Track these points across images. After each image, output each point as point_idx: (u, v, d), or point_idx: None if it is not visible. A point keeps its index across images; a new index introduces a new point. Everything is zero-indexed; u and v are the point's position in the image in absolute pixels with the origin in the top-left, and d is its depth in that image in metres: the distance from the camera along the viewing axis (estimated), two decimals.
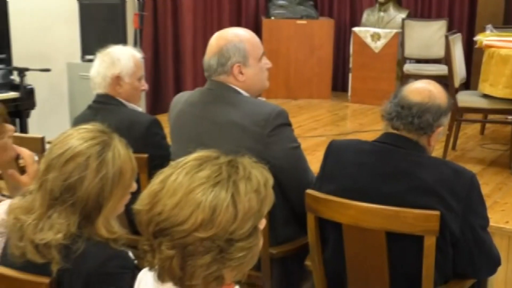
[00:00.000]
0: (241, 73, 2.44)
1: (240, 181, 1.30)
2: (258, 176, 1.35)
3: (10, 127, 2.09)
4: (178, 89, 6.71)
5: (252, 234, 1.32)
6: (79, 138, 1.62)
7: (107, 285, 1.48)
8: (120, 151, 1.65)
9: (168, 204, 1.26)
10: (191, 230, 1.24)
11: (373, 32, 6.89)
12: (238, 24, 6.98)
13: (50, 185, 1.58)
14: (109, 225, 1.63)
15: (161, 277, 1.34)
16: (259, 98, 2.64)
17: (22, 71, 4.31)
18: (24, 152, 2.17)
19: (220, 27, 2.75)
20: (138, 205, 1.32)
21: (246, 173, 1.33)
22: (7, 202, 1.90)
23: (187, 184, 1.27)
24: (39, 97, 4.94)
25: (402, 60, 6.87)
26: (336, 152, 2.22)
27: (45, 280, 1.51)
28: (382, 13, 7.01)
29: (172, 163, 1.39)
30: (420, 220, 1.93)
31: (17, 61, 4.96)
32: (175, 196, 1.26)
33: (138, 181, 2.57)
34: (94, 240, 1.59)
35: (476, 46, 5.34)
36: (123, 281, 1.55)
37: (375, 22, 7.02)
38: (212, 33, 2.62)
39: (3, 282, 1.58)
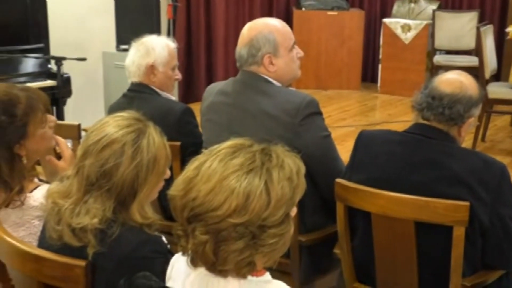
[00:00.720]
0: (271, 63, 2.43)
1: (273, 169, 1.30)
2: (291, 165, 1.35)
3: (51, 117, 2.11)
4: (210, 79, 6.74)
5: (284, 221, 1.32)
6: (115, 125, 1.63)
7: (141, 269, 1.49)
8: (155, 139, 1.65)
9: (203, 190, 1.27)
10: (225, 215, 1.25)
11: (403, 23, 6.82)
12: (269, 14, 6.94)
13: (86, 171, 1.59)
14: (143, 211, 1.63)
15: (194, 262, 1.35)
16: (289, 88, 2.63)
17: (59, 60, 4.35)
18: (59, 139, 2.20)
19: (251, 18, 2.73)
20: (173, 191, 1.32)
21: (279, 161, 1.33)
22: (45, 187, 1.93)
23: (221, 171, 1.28)
24: (75, 85, 5.00)
25: (432, 51, 6.79)
26: (366, 142, 2.20)
27: (81, 263, 1.52)
28: (412, 4, 6.92)
29: (206, 150, 1.39)
30: (450, 210, 1.91)
31: (54, 51, 5.01)
32: (210, 182, 1.27)
33: (171, 169, 2.59)
34: (129, 225, 1.60)
35: (508, 37, 5.26)
36: (156, 266, 1.56)
37: (406, 13, 6.94)
38: (243, 24, 2.61)
39: (41, 263, 1.59)
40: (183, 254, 1.36)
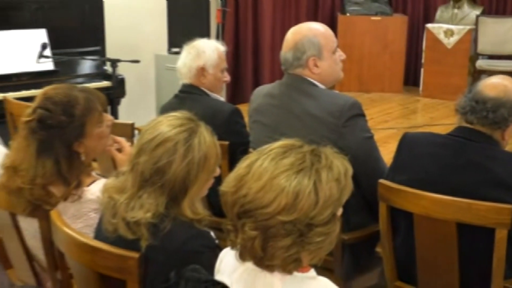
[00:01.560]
0: (316, 65, 2.44)
1: (322, 170, 1.31)
2: (339, 166, 1.35)
3: (109, 117, 2.15)
4: (257, 81, 6.75)
5: (330, 220, 1.32)
6: (169, 125, 1.64)
7: (190, 263, 1.50)
8: (206, 138, 1.66)
9: (254, 187, 1.27)
10: (274, 213, 1.25)
11: (446, 29, 6.70)
12: (314, 20, 6.92)
13: (141, 167, 1.61)
14: (194, 207, 1.64)
15: (242, 256, 1.35)
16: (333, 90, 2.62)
17: (114, 62, 4.42)
18: (120, 139, 2.25)
19: (297, 23, 2.72)
20: (224, 187, 1.33)
21: (328, 162, 1.33)
22: (101, 182, 1.96)
23: (272, 170, 1.28)
24: (128, 86, 5.08)
25: (475, 56, 6.65)
26: (409, 144, 2.17)
27: (135, 255, 1.54)
28: (456, 10, 6.79)
29: (257, 149, 1.40)
30: (492, 212, 1.86)
31: (110, 53, 5.11)
32: (260, 180, 1.27)
33: (219, 167, 2.62)
34: (180, 220, 1.61)
35: None
36: (205, 259, 1.57)
37: (449, 19, 6.82)
38: (289, 29, 2.61)
39: (97, 254, 1.62)
40: (232, 248, 1.37)
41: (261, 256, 1.30)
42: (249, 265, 1.35)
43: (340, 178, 1.33)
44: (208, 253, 1.61)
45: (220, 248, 1.68)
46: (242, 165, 1.34)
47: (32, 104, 2.01)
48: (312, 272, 1.39)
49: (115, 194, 1.65)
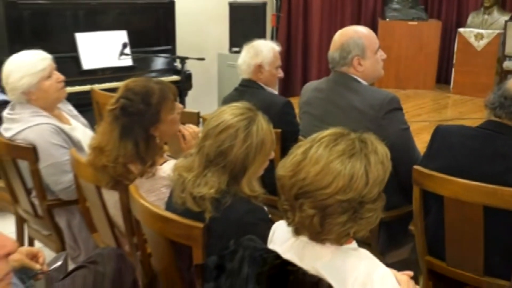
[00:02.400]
0: (360, 64, 2.41)
1: (370, 154, 1.30)
2: (382, 150, 1.34)
3: (179, 105, 2.17)
4: (305, 77, 6.70)
5: (377, 198, 1.32)
6: (231, 113, 1.65)
7: (247, 233, 1.51)
8: (263, 125, 1.66)
9: (312, 171, 1.27)
10: (333, 193, 1.25)
11: (476, 33, 6.48)
12: (357, 24, 6.81)
13: (206, 150, 1.63)
14: (251, 185, 1.65)
15: (298, 231, 1.35)
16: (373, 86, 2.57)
17: (183, 60, 4.44)
18: (188, 125, 2.27)
19: (342, 26, 2.69)
20: (282, 172, 1.32)
21: (373, 147, 1.33)
22: (172, 162, 1.99)
23: (327, 156, 1.28)
24: (194, 80, 5.11)
25: (502, 57, 6.41)
26: (442, 134, 2.12)
27: (200, 225, 1.56)
28: (486, 16, 6.55)
29: (308, 138, 1.38)
30: None
31: (179, 51, 5.14)
32: (318, 164, 1.27)
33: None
34: (239, 196, 1.62)
35: None
36: (259, 231, 1.57)
37: (479, 24, 6.58)
38: (335, 32, 2.59)
39: (168, 223, 1.65)
40: (288, 225, 1.36)
41: (319, 231, 1.30)
42: (304, 238, 1.35)
43: (384, 161, 1.33)
44: (262, 225, 1.62)
45: (272, 222, 1.68)
46: (297, 152, 1.33)
47: (115, 95, 2.05)
48: (355, 243, 1.39)
49: (184, 172, 1.67)
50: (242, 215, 1.60)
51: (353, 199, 1.26)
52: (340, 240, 1.32)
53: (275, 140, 1.72)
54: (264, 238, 1.53)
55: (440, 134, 2.12)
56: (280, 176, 1.32)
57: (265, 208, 1.71)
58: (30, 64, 2.45)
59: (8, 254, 0.95)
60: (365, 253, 1.36)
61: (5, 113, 2.53)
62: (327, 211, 1.27)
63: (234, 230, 1.53)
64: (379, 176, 1.30)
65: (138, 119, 1.97)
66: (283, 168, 1.33)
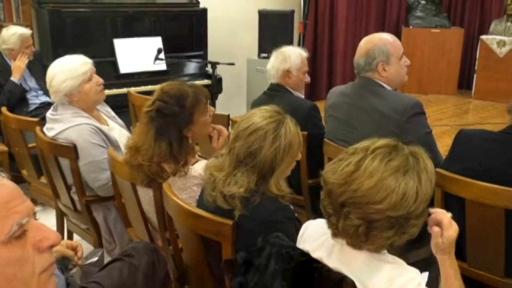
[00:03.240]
0: (384, 70, 2.39)
1: (422, 172, 1.27)
2: (431, 167, 1.31)
3: (211, 108, 2.18)
4: (330, 82, 6.67)
5: (422, 213, 1.29)
6: (260, 116, 1.65)
7: (273, 231, 1.51)
8: (291, 128, 1.65)
9: (365, 184, 1.23)
10: (384, 209, 1.22)
11: (499, 40, 6.36)
12: (381, 31, 6.75)
13: (237, 150, 1.63)
14: (279, 185, 1.65)
15: (336, 235, 1.33)
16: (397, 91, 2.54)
17: (214, 64, 4.47)
18: (219, 126, 2.28)
19: (366, 34, 2.66)
20: (332, 178, 1.28)
21: (424, 164, 1.29)
22: (203, 162, 1.99)
23: (382, 171, 1.24)
24: (225, 84, 5.12)
25: None
26: (464, 138, 2.08)
27: (229, 222, 1.57)
28: (509, 23, 6.41)
29: (357, 147, 1.33)
30: None
31: (210, 57, 5.17)
32: (371, 178, 1.23)
33: None
34: (267, 195, 1.62)
35: None
36: (285, 228, 1.56)
37: (502, 31, 6.45)
38: (360, 39, 2.57)
39: (199, 220, 1.65)
40: (329, 227, 1.34)
41: (363, 240, 1.27)
42: (341, 240, 1.33)
43: (432, 178, 1.30)
44: (288, 224, 1.61)
45: (298, 220, 1.68)
46: (350, 160, 1.28)
47: (151, 98, 2.07)
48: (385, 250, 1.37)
49: (215, 172, 1.67)
50: (269, 214, 1.59)
51: (402, 216, 1.23)
52: (379, 250, 1.30)
53: (302, 142, 1.71)
54: (291, 235, 1.52)
55: (463, 138, 2.08)
56: (330, 182, 1.29)
57: (291, 207, 1.70)
58: (72, 68, 2.48)
59: (52, 246, 0.97)
60: (393, 259, 1.33)
61: (49, 113, 2.57)
62: (374, 224, 1.24)
63: (261, 227, 1.53)
64: (427, 193, 1.27)
65: (172, 120, 1.98)
66: (334, 175, 1.28)
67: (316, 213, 2.61)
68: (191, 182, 2.03)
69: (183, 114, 2.00)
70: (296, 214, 1.70)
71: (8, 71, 3.80)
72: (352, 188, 1.24)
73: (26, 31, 3.88)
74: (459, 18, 7.22)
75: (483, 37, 6.54)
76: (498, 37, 6.40)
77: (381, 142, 1.31)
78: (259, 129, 1.62)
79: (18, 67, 3.79)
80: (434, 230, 1.36)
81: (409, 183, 1.24)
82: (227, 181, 1.63)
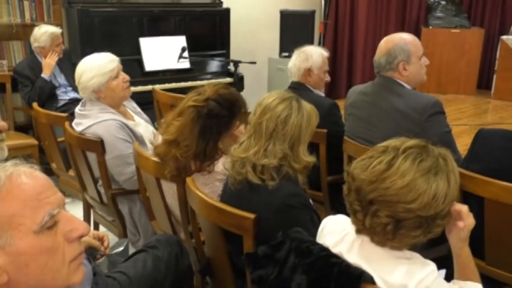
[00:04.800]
0: (405, 69, 2.37)
1: (450, 173, 1.27)
2: (457, 169, 1.30)
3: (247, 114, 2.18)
4: (350, 81, 6.62)
5: (447, 214, 1.28)
6: (279, 93, 1.74)
7: (287, 215, 1.57)
8: (307, 104, 1.75)
9: (398, 183, 1.22)
10: (415, 209, 1.21)
11: None
12: (401, 31, 6.67)
13: (265, 123, 1.68)
14: (306, 153, 1.71)
15: (360, 231, 1.32)
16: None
17: (236, 63, 4.47)
18: None
19: (386, 34, 2.64)
20: (362, 175, 1.27)
21: (452, 165, 1.29)
22: (223, 159, 1.98)
23: (414, 171, 1.23)
24: (246, 82, 5.11)
25: None
26: (484, 138, 2.04)
27: (251, 216, 1.56)
28: None
29: (386, 146, 1.31)
30: None
31: (233, 56, 5.18)
32: (404, 178, 1.22)
33: (318, 150, 2.60)
34: (289, 175, 1.67)
35: None
36: (300, 216, 1.62)
37: None
38: (379, 39, 2.54)
39: (222, 213, 1.65)
40: (354, 224, 1.33)
41: (389, 238, 1.26)
42: (364, 237, 1.31)
43: (458, 180, 1.29)
44: (302, 210, 1.64)
45: (315, 212, 1.69)
46: (381, 159, 1.26)
47: (202, 96, 2.02)
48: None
49: (241, 154, 1.71)
50: (286, 197, 1.63)
51: (430, 216, 1.23)
52: (403, 248, 1.29)
53: (318, 115, 1.77)
54: (304, 223, 1.55)
55: (482, 138, 2.05)
56: (359, 178, 1.27)
57: (310, 200, 1.72)
58: (100, 65, 2.51)
59: (81, 236, 0.98)
60: (411, 254, 1.31)
61: (77, 109, 2.61)
62: (403, 223, 1.23)
63: (277, 208, 1.60)
64: (454, 194, 1.27)
65: (217, 122, 1.98)
66: (364, 172, 1.27)
67: (335, 209, 2.61)
68: (213, 178, 2.04)
69: (228, 119, 2.00)
70: (312, 202, 1.72)
71: (39, 68, 3.86)
72: (383, 186, 1.23)
73: (57, 30, 3.93)
74: (480, 18, 7.09)
75: (504, 37, 6.40)
76: None
77: (411, 142, 1.30)
78: (284, 100, 1.69)
79: (49, 64, 3.85)
80: (460, 225, 1.35)
81: (440, 184, 1.23)
82: (259, 155, 1.67)
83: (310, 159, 1.70)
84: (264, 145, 1.67)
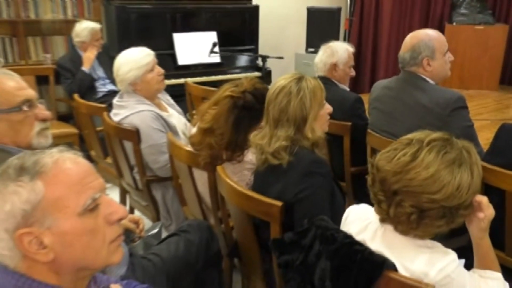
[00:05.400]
0: (429, 65, 2.32)
1: (474, 165, 1.25)
2: (480, 162, 1.28)
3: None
4: (373, 76, 6.53)
5: (470, 205, 1.27)
6: (283, 79, 1.76)
7: (312, 180, 1.60)
8: (311, 80, 1.74)
9: (422, 174, 1.21)
10: (439, 199, 1.20)
11: None
12: (425, 28, 6.54)
13: (271, 113, 1.73)
14: (313, 130, 1.71)
15: (384, 221, 1.31)
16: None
17: (264, 58, 4.46)
18: None
19: (410, 30, 2.59)
20: (387, 167, 1.26)
21: (475, 158, 1.27)
22: (251, 149, 1.98)
23: (438, 163, 1.22)
24: (273, 76, 5.06)
25: None
26: (506, 132, 1.99)
27: (278, 203, 1.56)
28: None
29: (410, 138, 1.30)
30: None
31: (261, 51, 5.16)
32: (428, 169, 1.21)
33: (341, 142, 2.58)
34: (303, 148, 1.70)
35: None
36: (323, 184, 1.65)
37: None
38: (404, 35, 2.49)
39: (250, 201, 1.66)
40: (378, 213, 1.32)
41: (413, 227, 1.25)
42: (388, 227, 1.30)
43: (481, 172, 1.27)
44: (324, 179, 1.67)
45: (334, 181, 1.76)
46: (405, 151, 1.25)
47: (239, 88, 2.04)
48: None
49: (259, 141, 1.76)
50: (308, 163, 1.66)
51: (454, 206, 1.21)
52: (425, 237, 1.28)
53: (323, 89, 1.77)
54: (324, 191, 1.58)
55: (505, 132, 2.00)
56: (384, 170, 1.26)
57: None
58: (137, 59, 2.53)
59: (120, 219, 1.00)
60: (432, 243, 1.30)
61: (115, 100, 2.64)
62: (427, 213, 1.22)
63: (302, 174, 1.64)
64: (477, 185, 1.25)
65: (250, 115, 2.00)
66: (389, 163, 1.26)
67: (358, 199, 2.59)
68: (242, 167, 2.05)
69: (260, 112, 1.97)
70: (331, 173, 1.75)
71: (79, 61, 3.92)
72: (408, 177, 1.22)
73: (96, 26, 3.98)
74: (504, 15, 6.89)
75: None
76: None
77: (435, 135, 1.28)
78: (284, 87, 1.71)
79: (88, 58, 3.91)
80: (480, 215, 1.32)
81: (464, 175, 1.22)
82: (272, 141, 1.71)
83: (319, 135, 1.72)
84: (273, 132, 1.72)
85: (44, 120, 1.64)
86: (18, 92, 1.57)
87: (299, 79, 1.72)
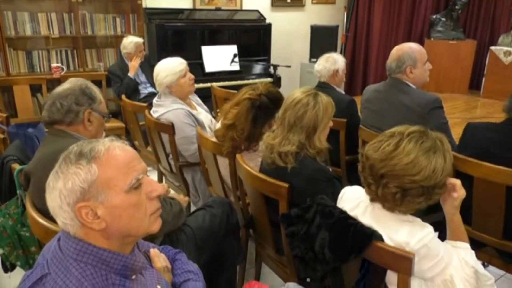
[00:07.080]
0: (411, 72, 2.28)
1: (446, 152, 1.23)
2: (451, 149, 1.26)
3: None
4: (365, 82, 6.46)
5: (444, 185, 1.25)
6: (300, 92, 1.70)
7: (314, 186, 1.54)
8: (324, 97, 1.69)
9: (404, 160, 1.20)
10: (418, 180, 1.19)
11: (505, 50, 5.90)
12: (408, 42, 6.43)
13: (287, 118, 1.66)
14: (320, 140, 1.67)
15: (374, 200, 1.30)
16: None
17: (275, 67, 4.44)
18: None
19: (395, 44, 2.55)
20: (375, 155, 1.24)
21: (447, 146, 1.25)
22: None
23: (417, 150, 1.20)
24: (283, 82, 5.07)
25: None
26: (471, 129, 1.96)
27: (285, 185, 1.56)
28: None
29: (393, 132, 1.28)
30: None
31: (272, 60, 5.14)
32: (409, 156, 1.20)
33: (338, 135, 2.55)
34: (308, 156, 1.64)
35: None
36: (324, 187, 1.58)
37: (508, 43, 5.98)
38: (390, 48, 2.46)
39: (263, 182, 1.65)
40: (368, 194, 1.30)
41: (398, 204, 1.23)
42: (377, 205, 1.29)
43: (452, 158, 1.26)
44: (325, 183, 1.62)
45: (336, 178, 1.69)
46: (389, 142, 1.24)
47: (256, 91, 2.02)
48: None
49: (270, 141, 1.71)
50: (310, 172, 1.61)
51: (430, 186, 1.20)
52: (407, 212, 1.26)
53: (334, 106, 1.73)
54: (328, 192, 1.52)
55: (470, 129, 1.96)
56: (372, 158, 1.25)
57: (328, 169, 1.71)
58: (172, 67, 2.53)
59: (159, 196, 1.00)
60: (413, 218, 1.28)
61: (154, 100, 2.64)
62: (409, 192, 1.20)
63: (305, 181, 1.58)
64: (449, 169, 1.23)
65: (265, 113, 1.99)
66: (376, 152, 1.24)
67: (351, 182, 2.56)
68: (257, 155, 2.04)
69: (273, 111, 1.99)
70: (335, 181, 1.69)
71: (126, 69, 3.94)
72: (392, 163, 1.20)
73: (139, 40, 3.99)
74: (473, 32, 6.76)
75: (492, 48, 6.09)
76: (505, 48, 5.94)
77: (413, 128, 1.27)
78: (302, 99, 1.66)
79: (133, 66, 3.92)
80: (454, 195, 1.30)
81: (438, 160, 1.20)
82: (282, 143, 1.66)
83: (324, 145, 1.66)
84: (286, 135, 1.65)
85: None
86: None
87: (315, 94, 1.68)
